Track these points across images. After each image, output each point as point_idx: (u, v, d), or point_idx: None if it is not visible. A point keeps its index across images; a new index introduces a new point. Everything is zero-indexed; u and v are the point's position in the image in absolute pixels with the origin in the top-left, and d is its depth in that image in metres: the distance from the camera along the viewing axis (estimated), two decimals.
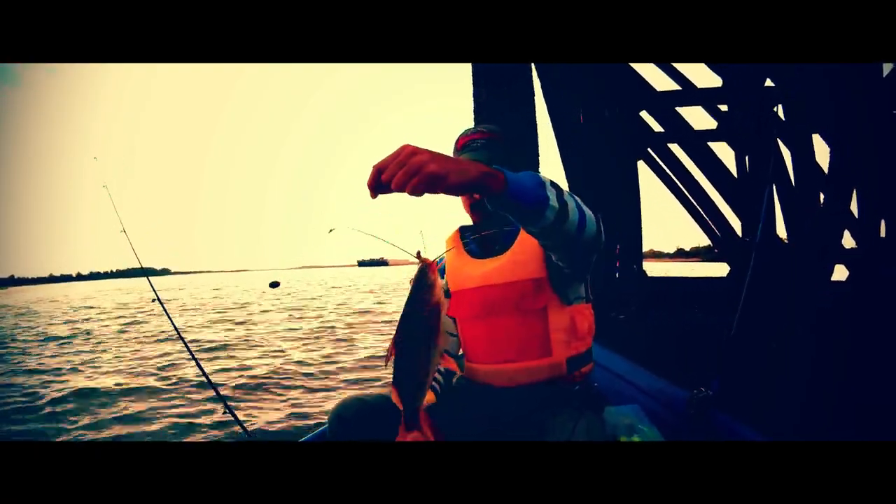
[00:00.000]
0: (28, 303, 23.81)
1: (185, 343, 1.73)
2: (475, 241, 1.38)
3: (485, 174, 0.76)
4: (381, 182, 0.72)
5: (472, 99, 3.58)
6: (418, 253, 0.75)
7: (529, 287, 1.21)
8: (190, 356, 1.66)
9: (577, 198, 0.93)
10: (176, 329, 1.79)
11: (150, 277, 2.06)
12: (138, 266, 1.90)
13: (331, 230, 0.84)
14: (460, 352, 1.40)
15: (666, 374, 1.91)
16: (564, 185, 0.97)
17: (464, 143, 1.32)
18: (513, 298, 1.23)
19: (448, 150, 1.33)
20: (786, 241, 3.10)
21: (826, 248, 2.54)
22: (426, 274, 0.74)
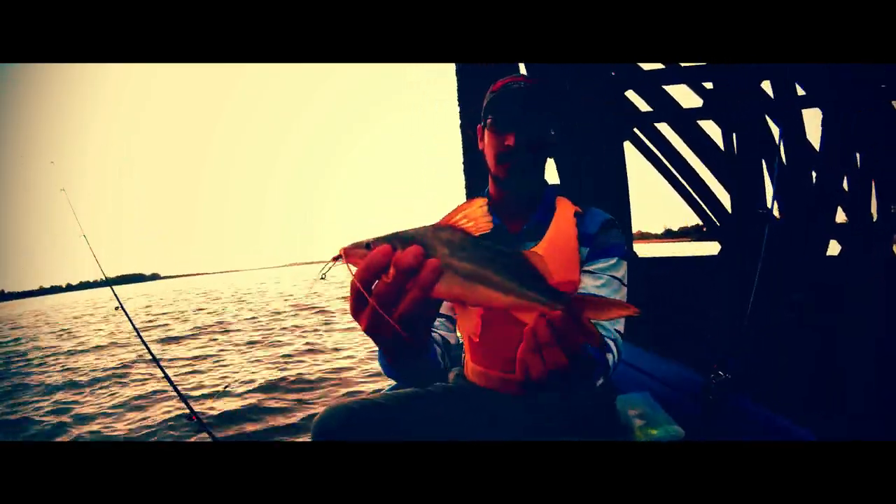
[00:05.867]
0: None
1: (149, 350, 1.74)
2: (498, 214, 1.21)
3: None
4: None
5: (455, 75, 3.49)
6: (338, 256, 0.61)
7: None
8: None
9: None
10: (142, 344, 1.75)
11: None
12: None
13: (322, 276, 0.69)
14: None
15: (669, 355, 1.85)
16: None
17: (502, 85, 1.14)
18: None
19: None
20: (779, 218, 3.09)
21: (822, 224, 2.51)
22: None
